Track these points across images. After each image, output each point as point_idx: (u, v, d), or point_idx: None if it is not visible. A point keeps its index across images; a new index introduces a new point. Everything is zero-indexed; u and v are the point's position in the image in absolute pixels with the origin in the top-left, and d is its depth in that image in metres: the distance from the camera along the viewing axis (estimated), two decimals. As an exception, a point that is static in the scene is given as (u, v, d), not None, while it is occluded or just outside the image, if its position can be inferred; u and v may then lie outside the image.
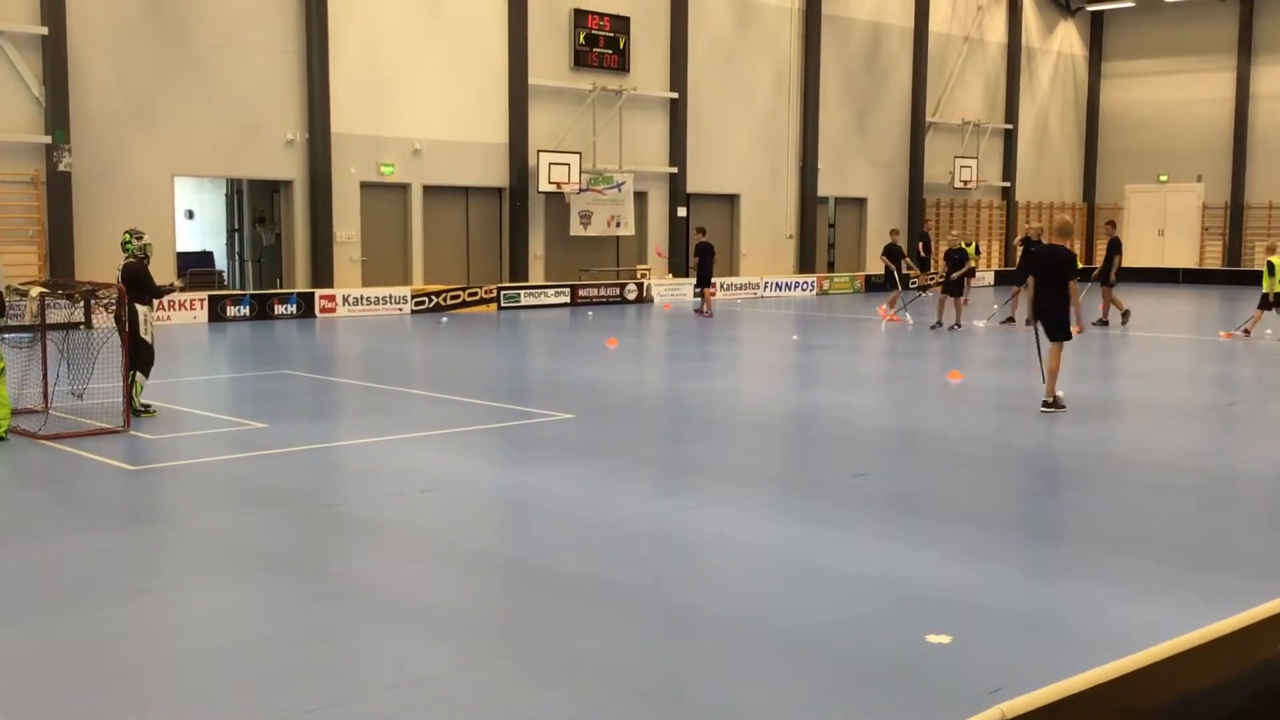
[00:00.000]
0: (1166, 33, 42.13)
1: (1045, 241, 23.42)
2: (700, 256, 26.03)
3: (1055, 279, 12.42)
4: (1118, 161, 43.84)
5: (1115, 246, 23.63)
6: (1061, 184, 43.75)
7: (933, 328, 22.62)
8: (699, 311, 26.39)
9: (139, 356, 11.75)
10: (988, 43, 40.01)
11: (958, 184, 38.61)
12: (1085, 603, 6.33)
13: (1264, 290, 20.79)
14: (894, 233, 27.11)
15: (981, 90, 40.02)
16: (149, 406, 11.96)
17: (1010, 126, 40.80)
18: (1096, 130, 44.35)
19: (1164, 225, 42.63)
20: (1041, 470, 10.14)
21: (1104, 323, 23.12)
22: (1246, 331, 21.13)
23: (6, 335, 11.34)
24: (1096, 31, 44.05)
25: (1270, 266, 20.55)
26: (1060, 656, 5.46)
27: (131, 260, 12.08)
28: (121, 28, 22.67)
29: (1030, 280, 12.97)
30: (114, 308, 11.56)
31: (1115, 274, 23.49)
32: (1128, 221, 43.90)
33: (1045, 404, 12.70)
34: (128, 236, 12.29)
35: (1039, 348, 13.06)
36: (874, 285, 35.75)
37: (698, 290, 26.60)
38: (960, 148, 38.96)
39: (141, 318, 11.76)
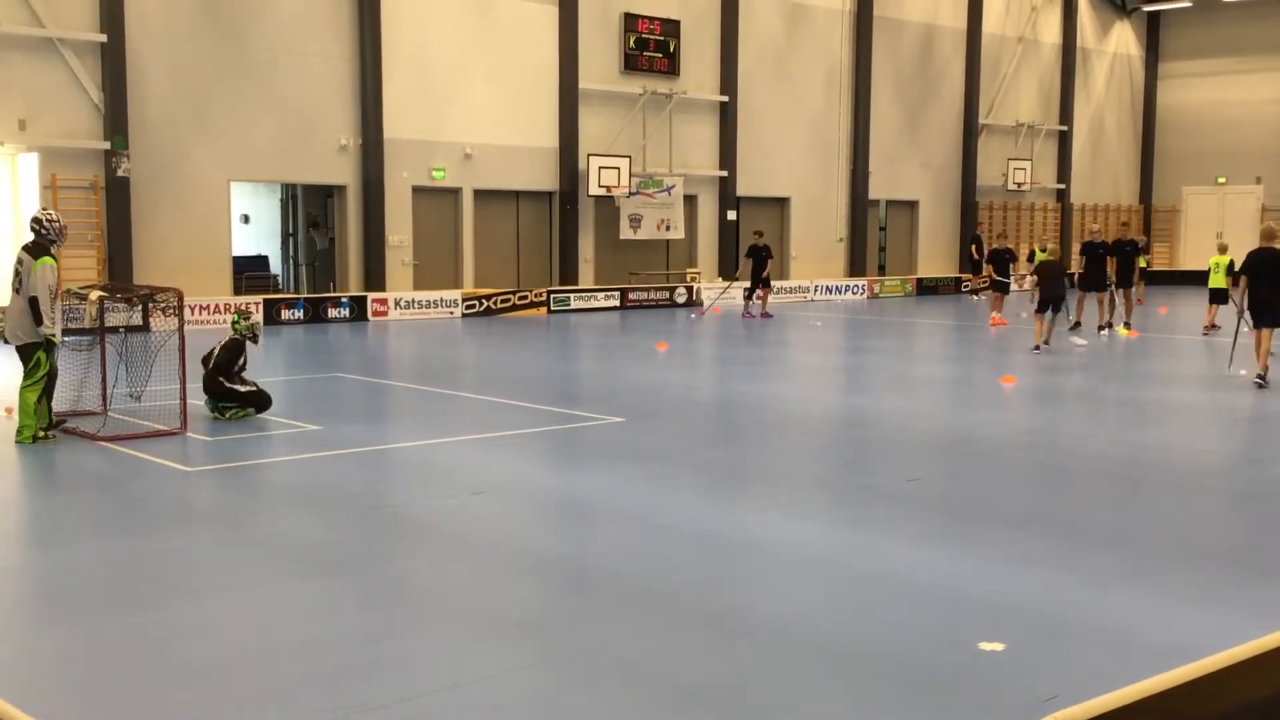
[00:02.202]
0: (1224, 33, 41.49)
1: (1098, 240, 23.17)
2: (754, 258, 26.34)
3: (1272, 275, 14.64)
4: (1175, 163, 43.24)
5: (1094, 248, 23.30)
6: (1118, 186, 43.22)
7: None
8: (748, 314, 26.56)
9: (262, 403, 12.07)
10: (1042, 43, 39.61)
11: (1011, 186, 38.25)
12: (1142, 610, 6.24)
13: (1210, 286, 22.20)
14: (1002, 237, 26.74)
15: (1036, 91, 39.61)
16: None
17: (1065, 128, 40.35)
18: (1153, 131, 43.76)
19: (1222, 228, 41.98)
20: (1097, 475, 10.01)
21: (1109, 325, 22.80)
22: (1213, 326, 21.90)
23: (66, 338, 11.50)
24: (1153, 32, 43.47)
25: (1218, 265, 22.19)
26: (1116, 665, 5.39)
27: (235, 339, 12.43)
28: (179, 35, 23.02)
29: (1243, 278, 15.10)
30: (171, 311, 11.73)
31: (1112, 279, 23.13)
32: (1185, 224, 43.29)
33: (1259, 378, 14.72)
34: (236, 316, 12.80)
35: (1241, 332, 15.64)
36: (925, 288, 35.51)
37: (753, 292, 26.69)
38: (1014, 150, 38.59)
39: (234, 383, 12.05)
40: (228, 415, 12.02)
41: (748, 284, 26.64)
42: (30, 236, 11.03)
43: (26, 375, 10.84)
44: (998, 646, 5.56)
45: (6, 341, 11.16)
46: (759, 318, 26.16)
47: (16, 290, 10.85)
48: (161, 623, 6.07)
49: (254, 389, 12.20)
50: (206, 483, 9.59)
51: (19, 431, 10.85)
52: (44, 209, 11.27)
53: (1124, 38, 42.81)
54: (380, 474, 10.03)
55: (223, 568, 7.20)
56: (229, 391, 12.01)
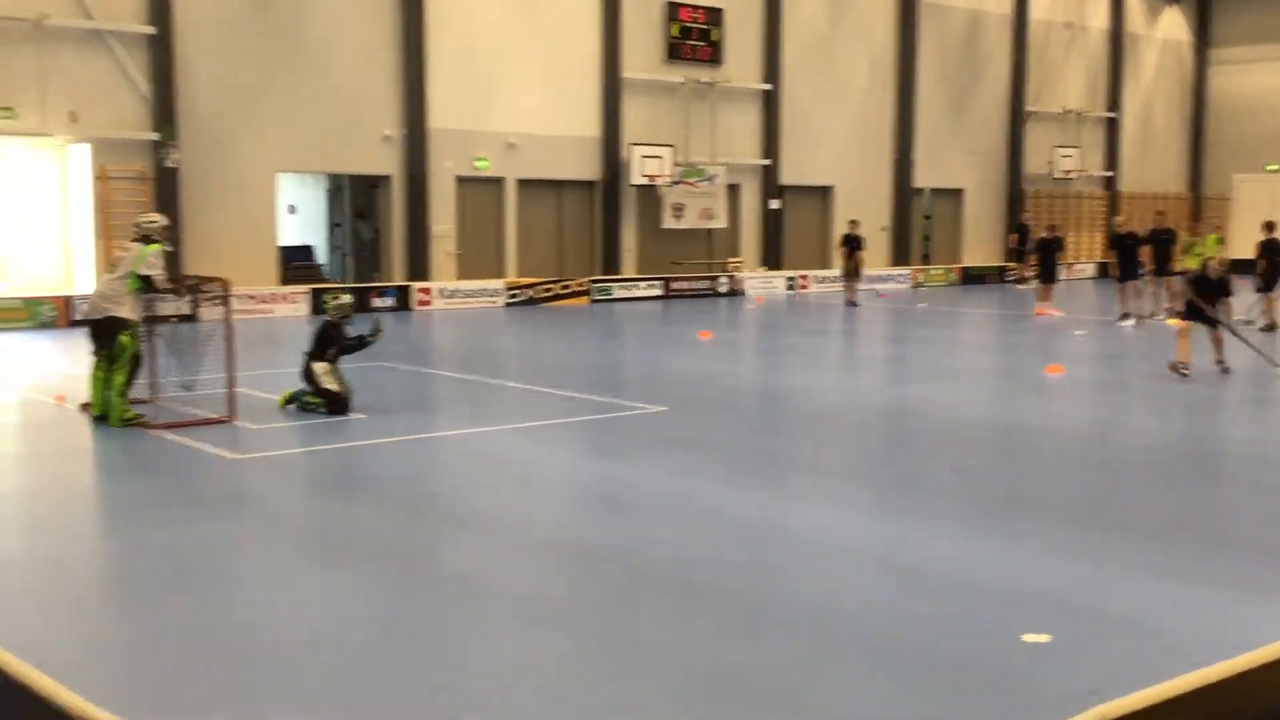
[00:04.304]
0: (1276, 19, 40.77)
1: (1124, 231, 23.02)
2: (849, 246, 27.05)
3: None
4: (1225, 150, 42.57)
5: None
6: (1166, 174, 42.64)
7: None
8: (848, 303, 26.93)
9: (334, 405, 11.85)
10: (1090, 29, 39.11)
11: (1058, 174, 37.82)
12: (1189, 603, 6.19)
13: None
14: (1051, 228, 26.58)
15: (1083, 78, 39.14)
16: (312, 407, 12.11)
17: (1113, 115, 39.84)
18: (1203, 119, 43.10)
19: (1274, 216, 41.27)
20: (1144, 466, 9.92)
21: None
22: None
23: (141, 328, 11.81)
24: (1203, 17, 42.79)
25: None
26: (1162, 658, 5.35)
27: (328, 320, 12.43)
28: (226, 27, 23.23)
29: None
30: (218, 301, 11.88)
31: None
32: (1235, 212, 42.62)
33: None
34: (328, 297, 13.11)
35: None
36: (970, 277, 35.22)
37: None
38: (1061, 137, 38.16)
39: (318, 372, 11.96)
40: (302, 401, 12.04)
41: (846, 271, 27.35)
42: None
43: (113, 359, 11.23)
44: (1043, 638, 5.53)
45: (88, 318, 11.79)
46: (848, 305, 26.57)
47: (109, 273, 11.83)
48: (211, 609, 6.16)
49: (337, 390, 11.93)
50: (254, 470, 9.71)
51: (108, 414, 11.21)
52: (145, 214, 12.80)
53: (1173, 23, 42.19)
54: (424, 462, 10.10)
55: (269, 555, 7.29)
56: (315, 381, 11.96)
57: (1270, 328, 19.99)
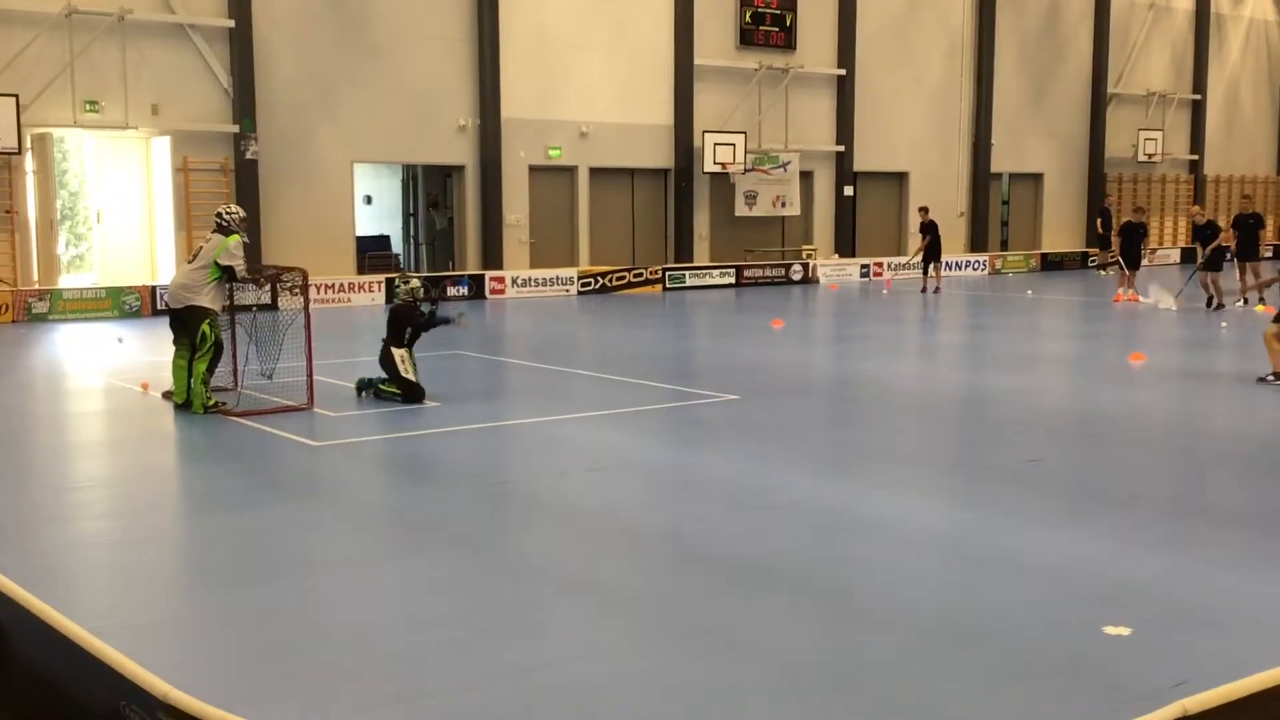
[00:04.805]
0: (1372, -7, 39.53)
1: (1202, 221, 22.65)
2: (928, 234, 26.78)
3: None
4: (1316, 132, 41.40)
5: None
6: (1254, 157, 41.56)
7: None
8: (935, 290, 26.60)
9: (410, 394, 11.89)
10: (1174, 9, 38.21)
11: (1141, 157, 37.02)
12: (1273, 597, 6.03)
13: None
14: (1137, 210, 26.03)
15: (1168, 59, 38.26)
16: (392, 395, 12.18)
17: (1198, 97, 38.90)
18: (1293, 100, 41.95)
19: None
20: (1228, 456, 9.68)
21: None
22: None
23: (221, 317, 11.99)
24: (1294, -6, 41.62)
25: None
26: (1247, 652, 5.22)
27: (400, 303, 12.50)
28: (303, 19, 23.55)
29: None
30: (297, 291, 12.03)
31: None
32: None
33: None
34: (398, 281, 13.08)
35: None
36: (1050, 263, 34.65)
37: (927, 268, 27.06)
38: (1144, 120, 37.35)
39: (397, 359, 12.04)
40: (378, 389, 12.17)
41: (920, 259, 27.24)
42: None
43: (195, 348, 11.43)
44: (1123, 630, 5.43)
45: (169, 307, 12.01)
46: (933, 293, 26.24)
47: (189, 263, 12.01)
48: (289, 592, 6.26)
49: (414, 380, 11.99)
50: (332, 457, 9.85)
51: (190, 402, 11.44)
52: (225, 205, 12.51)
53: (1261, 3, 41.07)
54: (497, 450, 10.17)
55: (346, 540, 7.38)
56: (394, 368, 12.05)
57: None
